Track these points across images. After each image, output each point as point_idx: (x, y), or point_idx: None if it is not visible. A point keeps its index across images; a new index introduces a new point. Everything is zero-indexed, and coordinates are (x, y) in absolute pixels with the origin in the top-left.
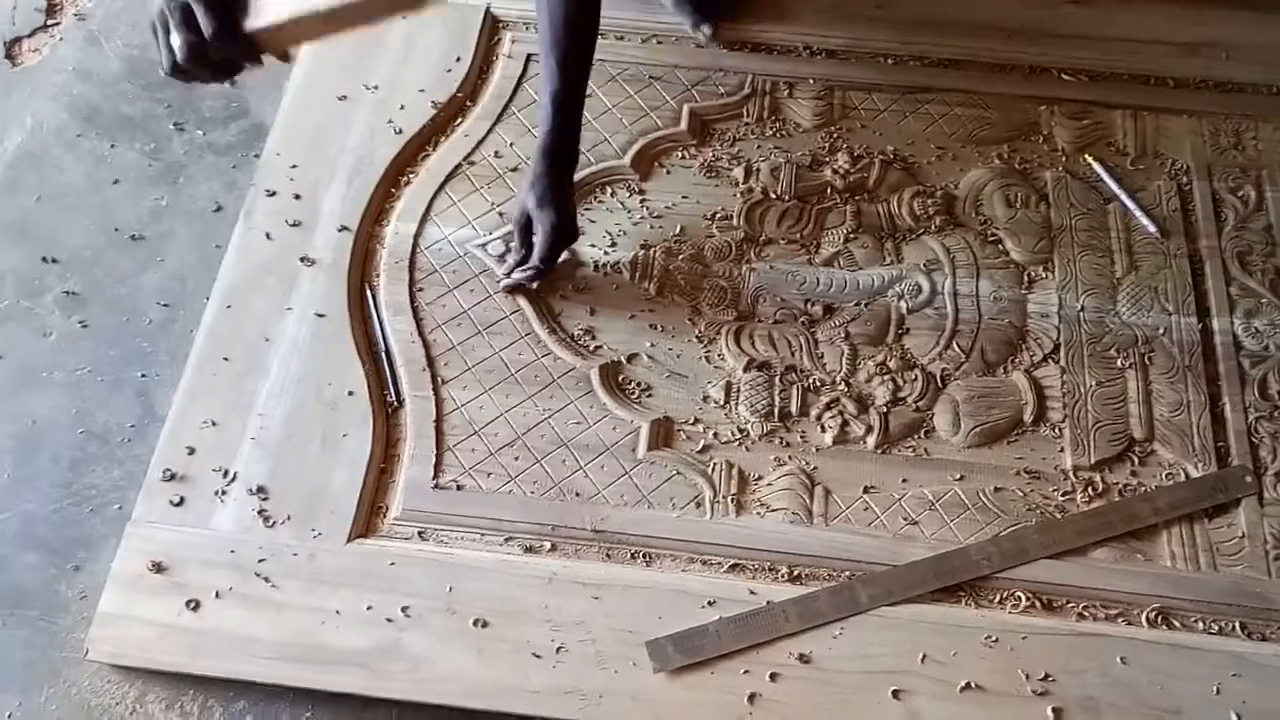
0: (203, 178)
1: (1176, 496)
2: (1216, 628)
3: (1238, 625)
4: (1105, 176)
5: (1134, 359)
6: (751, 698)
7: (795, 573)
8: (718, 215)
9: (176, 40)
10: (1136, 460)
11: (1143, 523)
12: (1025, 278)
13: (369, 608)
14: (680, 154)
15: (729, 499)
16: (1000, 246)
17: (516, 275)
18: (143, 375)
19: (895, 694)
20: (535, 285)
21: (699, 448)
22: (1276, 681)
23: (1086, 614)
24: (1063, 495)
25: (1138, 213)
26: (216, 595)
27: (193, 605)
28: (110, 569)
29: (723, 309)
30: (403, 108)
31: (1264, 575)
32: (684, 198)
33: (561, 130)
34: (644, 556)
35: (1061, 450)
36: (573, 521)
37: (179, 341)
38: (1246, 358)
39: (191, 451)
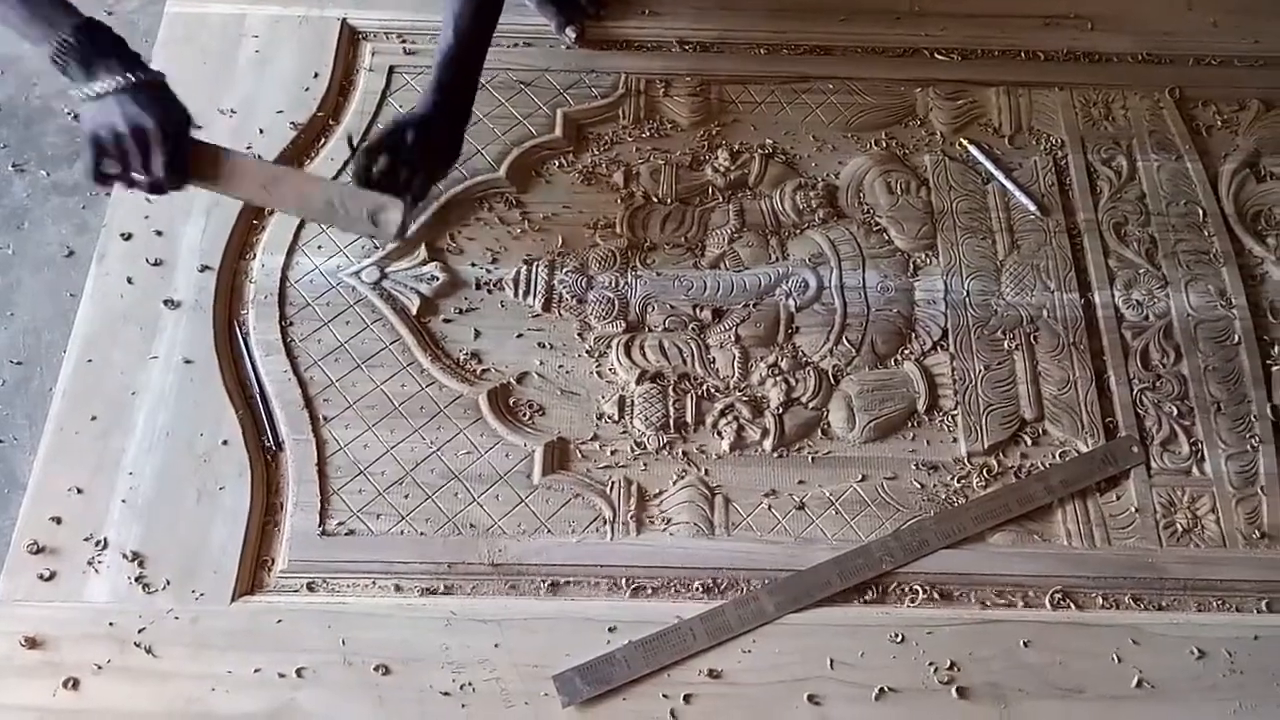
0: (50, 221)
1: (1068, 473)
2: (1114, 602)
3: (1130, 598)
4: (981, 159)
5: (1020, 340)
6: None
7: (701, 587)
8: (600, 223)
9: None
10: (1028, 441)
11: (1037, 503)
12: (910, 265)
13: (257, 670)
14: (557, 161)
15: (630, 518)
16: (884, 235)
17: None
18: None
19: (811, 699)
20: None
21: (596, 467)
22: (1171, 649)
23: (989, 602)
24: (959, 482)
25: (1015, 192)
26: (97, 669)
27: (70, 684)
28: None
29: (611, 320)
30: (261, 131)
31: (1155, 546)
32: (565, 207)
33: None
34: (546, 586)
35: (955, 440)
36: (469, 557)
37: (37, 401)
38: (1128, 329)
39: (58, 520)
